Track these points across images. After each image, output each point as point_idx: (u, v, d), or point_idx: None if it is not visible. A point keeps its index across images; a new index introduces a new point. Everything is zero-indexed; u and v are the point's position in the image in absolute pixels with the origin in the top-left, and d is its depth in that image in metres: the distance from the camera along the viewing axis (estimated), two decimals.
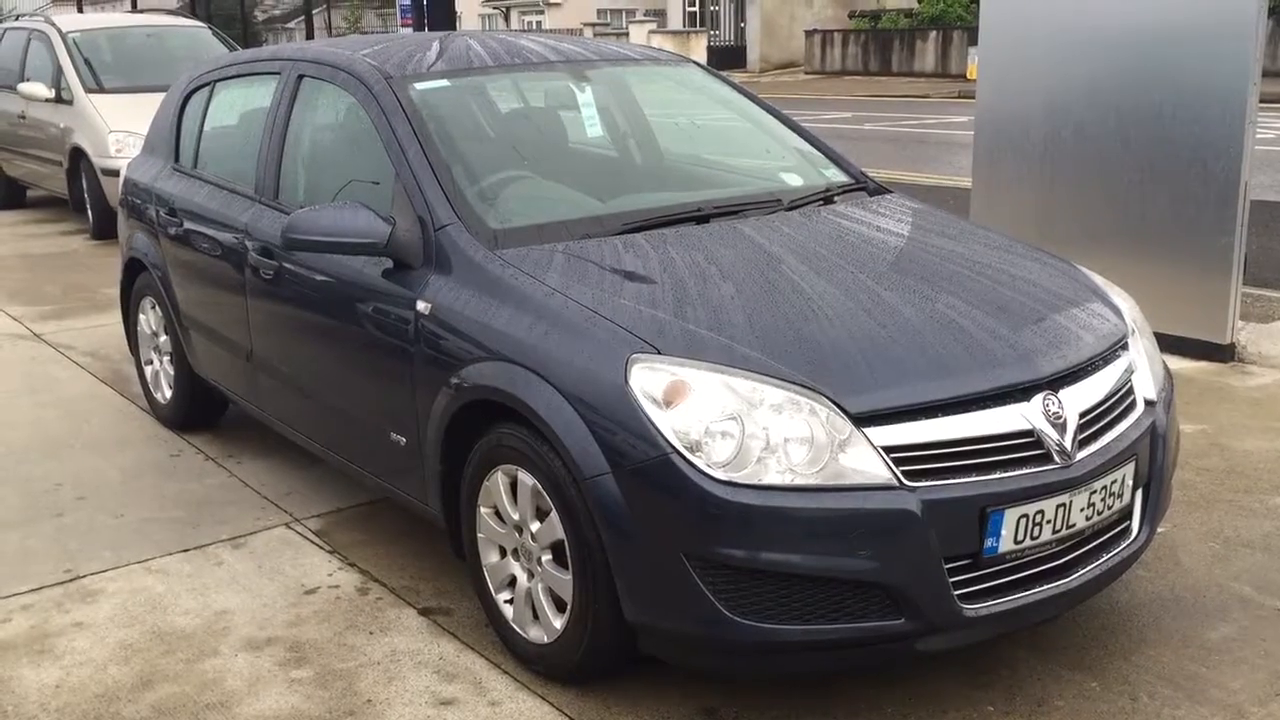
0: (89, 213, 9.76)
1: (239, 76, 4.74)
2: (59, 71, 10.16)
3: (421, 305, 3.28)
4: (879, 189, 4.07)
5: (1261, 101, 5.49)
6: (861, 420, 2.65)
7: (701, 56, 31.39)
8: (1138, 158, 5.69)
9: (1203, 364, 5.46)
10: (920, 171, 12.21)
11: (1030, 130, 6.11)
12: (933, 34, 29.82)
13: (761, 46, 34.93)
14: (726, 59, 34.39)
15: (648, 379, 2.71)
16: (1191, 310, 5.56)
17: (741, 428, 2.63)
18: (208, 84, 4.89)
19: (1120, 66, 5.68)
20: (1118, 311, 3.29)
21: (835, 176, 4.09)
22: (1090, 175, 5.89)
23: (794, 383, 2.68)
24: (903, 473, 2.63)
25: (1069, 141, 5.96)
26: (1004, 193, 6.28)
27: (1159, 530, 3.44)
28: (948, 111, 19.79)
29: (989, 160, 6.38)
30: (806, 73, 33.27)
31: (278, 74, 4.31)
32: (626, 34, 33.94)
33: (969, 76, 25.89)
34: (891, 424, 2.67)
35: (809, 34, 33.66)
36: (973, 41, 26.79)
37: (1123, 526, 3.01)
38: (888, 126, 17.77)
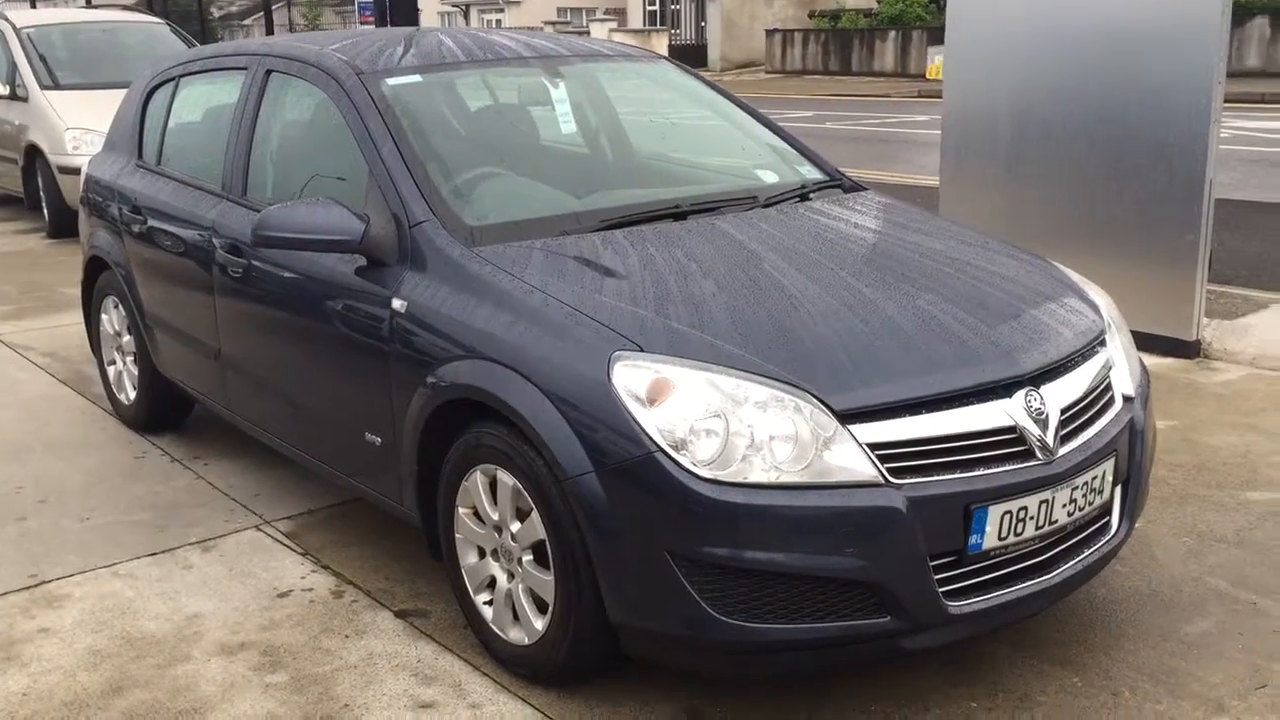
0: (45, 211, 9.60)
1: (204, 72, 4.66)
2: (13, 68, 9.99)
3: (397, 303, 3.23)
4: (854, 186, 4.06)
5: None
6: (846, 417, 2.64)
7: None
8: (1104, 156, 5.73)
9: (1169, 360, 5.51)
10: (884, 170, 12.26)
11: (997, 129, 6.14)
12: (892, 34, 29.99)
13: (722, 46, 34.97)
14: (687, 58, 34.39)
15: (631, 377, 2.68)
16: (1158, 307, 5.60)
17: (726, 425, 2.61)
18: (172, 79, 4.81)
19: (1086, 66, 5.72)
20: (1095, 308, 3.30)
21: (810, 173, 4.08)
22: (1057, 174, 5.93)
23: (778, 380, 2.66)
24: (888, 470, 2.62)
25: (1036, 140, 5.99)
26: (972, 191, 6.31)
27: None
28: (908, 111, 19.91)
29: (956, 159, 6.41)
30: (767, 72, 33.35)
31: (245, 69, 4.24)
32: (587, 32, 33.87)
33: (928, 76, 26.08)
34: (876, 421, 2.66)
35: (769, 33, 33.75)
36: (932, 41, 26.97)
37: (1102, 522, 3.02)
38: (850, 126, 17.84)
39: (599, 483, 2.67)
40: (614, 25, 34.93)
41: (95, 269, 5.07)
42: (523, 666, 3.02)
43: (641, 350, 2.73)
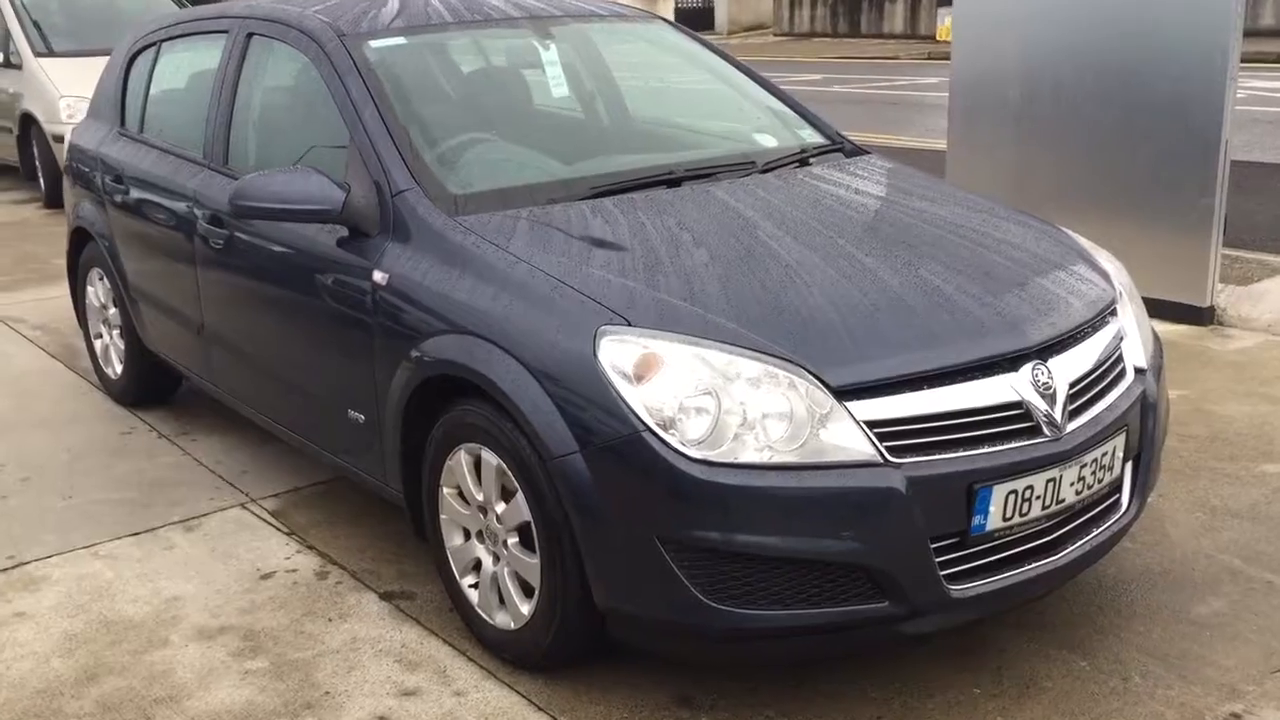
0: (40, 180, 9.48)
1: (185, 36, 4.52)
2: (7, 35, 9.83)
3: (378, 275, 3.11)
4: (856, 150, 3.92)
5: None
6: (843, 393, 2.51)
7: (669, 18, 30.93)
8: (1117, 117, 5.56)
9: (1182, 327, 5.36)
10: (892, 133, 12.07)
11: (1007, 90, 5.97)
12: None
13: (730, 8, 34.52)
14: (694, 21, 33.95)
15: (618, 352, 2.56)
16: (1171, 272, 5.45)
17: (717, 403, 2.49)
18: (153, 44, 4.67)
19: (1099, 23, 5.55)
20: (1106, 276, 3.16)
21: (810, 137, 3.94)
22: (1069, 135, 5.76)
23: (772, 354, 2.54)
24: (886, 448, 2.50)
25: (1047, 101, 5.82)
26: (980, 154, 6.15)
27: None
28: (917, 73, 19.62)
29: (965, 121, 6.24)
30: (775, 34, 32.94)
31: (226, 32, 4.10)
32: None
33: (938, 38, 25.70)
34: (875, 397, 2.53)
35: None
36: (942, 2, 26.55)
37: (1112, 500, 2.90)
38: (858, 89, 17.59)
39: (584, 463, 2.56)
40: None
41: (80, 240, 4.95)
42: (509, 651, 2.92)
43: (629, 324, 2.61)
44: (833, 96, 16.45)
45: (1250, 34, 5.30)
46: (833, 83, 18.57)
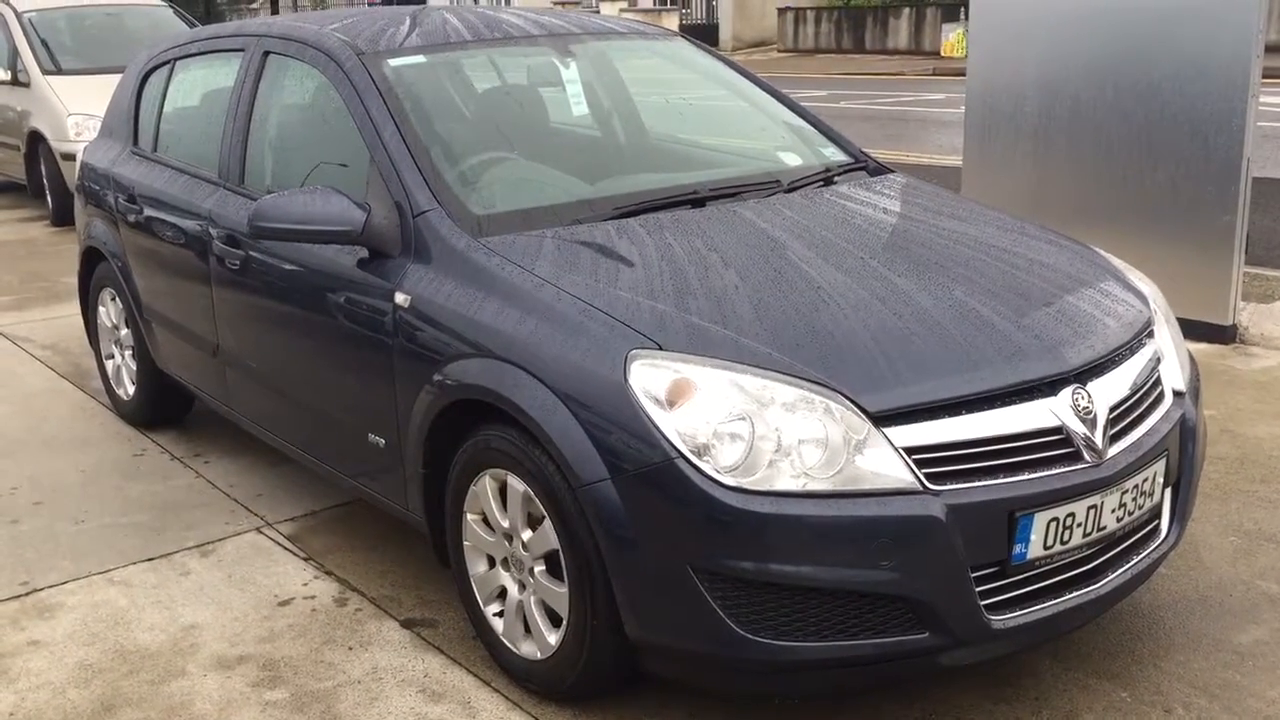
0: (48, 198, 9.44)
1: (200, 54, 4.47)
2: (15, 53, 9.81)
3: (400, 297, 3.05)
4: (880, 168, 3.86)
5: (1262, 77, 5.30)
6: (881, 419, 2.46)
7: None
8: (1136, 133, 5.51)
9: (1204, 346, 5.29)
10: (901, 150, 12.01)
11: (1024, 106, 5.92)
12: (906, 11, 29.59)
13: (734, 24, 34.56)
14: (698, 37, 33.79)
15: (649, 377, 2.50)
16: (1192, 290, 5.38)
17: (751, 429, 2.43)
18: (167, 62, 4.63)
19: (1118, 38, 5.50)
20: (1141, 296, 3.11)
21: (834, 156, 3.88)
22: (1087, 152, 5.71)
23: (807, 379, 2.48)
24: (925, 475, 2.44)
25: (1065, 117, 5.77)
26: (997, 170, 6.09)
27: None
28: (923, 89, 19.59)
29: (981, 137, 6.18)
30: (779, 51, 32.98)
31: (241, 51, 4.06)
32: (597, 11, 33.49)
33: (943, 53, 25.71)
34: (913, 423, 2.48)
35: (781, 11, 33.35)
36: (946, 18, 26.59)
37: (1152, 526, 2.83)
38: (864, 105, 17.56)
39: (615, 490, 2.50)
40: (624, 5, 34.56)
41: (92, 259, 4.91)
42: (535, 682, 2.85)
43: (660, 348, 2.55)
44: (839, 112, 16.41)
45: (1269, 49, 5.25)
46: (839, 99, 18.54)
